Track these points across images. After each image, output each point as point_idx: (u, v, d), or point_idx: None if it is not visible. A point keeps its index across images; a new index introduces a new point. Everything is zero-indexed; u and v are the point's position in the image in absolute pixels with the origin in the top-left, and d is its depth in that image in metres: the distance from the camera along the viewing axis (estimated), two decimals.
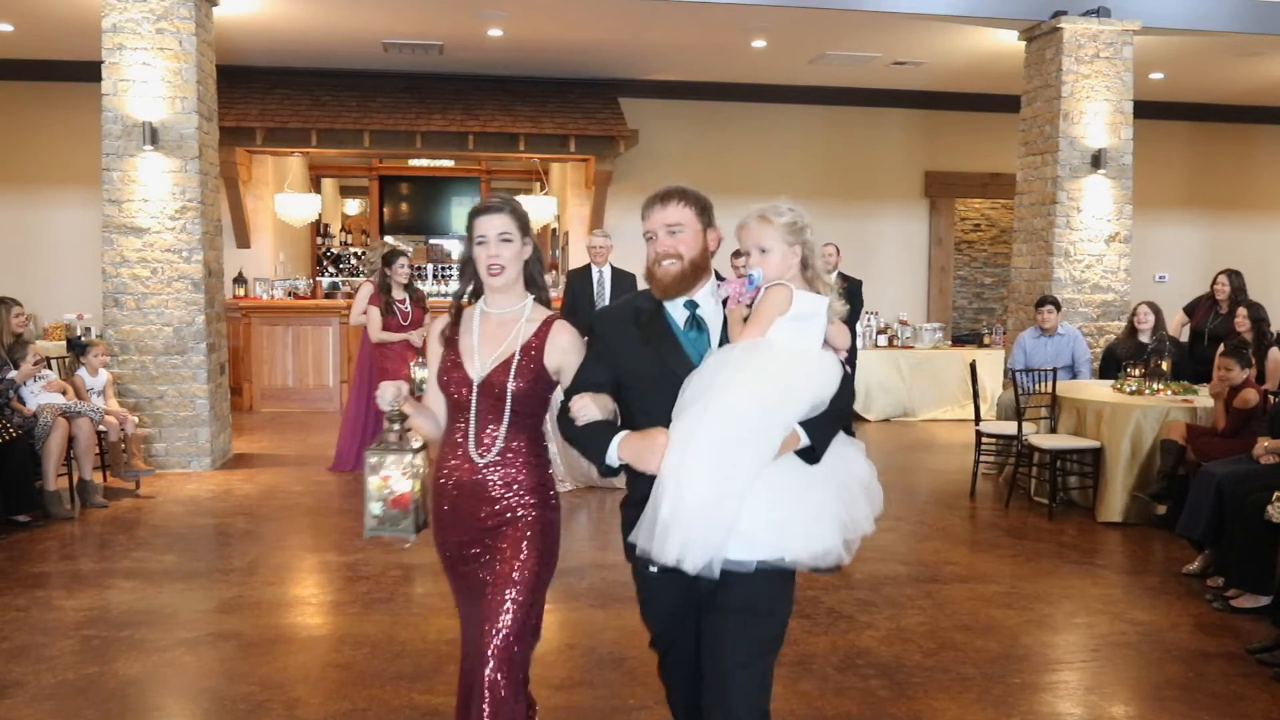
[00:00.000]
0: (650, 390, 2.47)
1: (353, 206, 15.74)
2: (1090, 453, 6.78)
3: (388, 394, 2.60)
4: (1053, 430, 7.12)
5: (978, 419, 7.63)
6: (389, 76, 11.37)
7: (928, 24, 9.23)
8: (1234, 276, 8.14)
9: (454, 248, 14.94)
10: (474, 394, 2.64)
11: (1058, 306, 8.25)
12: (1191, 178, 12.98)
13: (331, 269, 13.90)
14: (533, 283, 2.77)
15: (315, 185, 13.56)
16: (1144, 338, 7.86)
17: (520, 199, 3.08)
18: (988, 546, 6.14)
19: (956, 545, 6.15)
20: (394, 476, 2.59)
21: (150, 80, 7.79)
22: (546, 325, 2.70)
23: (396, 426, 2.60)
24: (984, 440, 7.56)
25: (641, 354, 2.52)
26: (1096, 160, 9.00)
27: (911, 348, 11.18)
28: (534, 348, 2.66)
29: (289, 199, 11.60)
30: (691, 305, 2.55)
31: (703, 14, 8.97)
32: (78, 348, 7.91)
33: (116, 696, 3.88)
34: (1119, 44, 9.01)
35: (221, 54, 8.78)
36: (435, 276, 13.72)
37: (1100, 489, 6.71)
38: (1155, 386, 7.01)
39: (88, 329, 10.27)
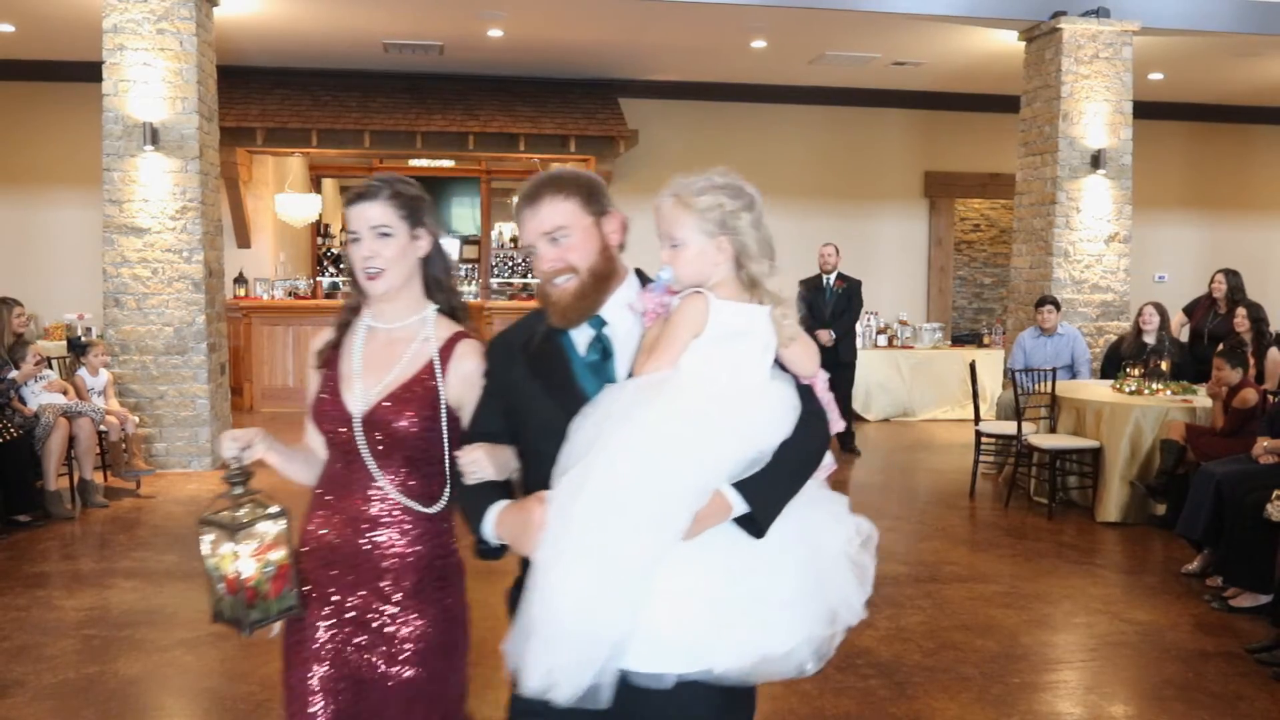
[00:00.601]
0: (540, 441, 1.84)
1: None
2: (1090, 453, 6.78)
3: (229, 448, 1.99)
4: (1052, 430, 7.13)
5: (977, 419, 7.64)
6: (389, 77, 11.38)
7: (928, 24, 9.24)
8: (1231, 276, 8.16)
9: (453, 248, 14.95)
10: (355, 433, 2.06)
11: (1057, 306, 8.26)
12: (1191, 178, 12.98)
13: (332, 269, 13.90)
14: (436, 287, 2.15)
15: (315, 185, 13.57)
16: (1149, 338, 7.86)
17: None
18: (987, 546, 6.15)
19: (956, 545, 6.16)
20: (225, 555, 1.96)
21: (151, 80, 7.80)
22: (450, 346, 2.09)
23: (238, 490, 1.97)
24: (984, 440, 7.57)
25: (528, 392, 1.91)
26: (1096, 160, 9.00)
27: (911, 348, 11.20)
28: (432, 375, 2.06)
29: (289, 199, 11.61)
30: (597, 323, 1.91)
31: (703, 14, 8.98)
32: (78, 348, 7.92)
33: (117, 696, 3.89)
34: (1118, 44, 9.01)
35: (222, 54, 8.79)
36: None
37: (1100, 489, 6.72)
38: (1154, 386, 7.01)
39: (88, 329, 10.28)
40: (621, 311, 1.92)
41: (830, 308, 8.82)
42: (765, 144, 12.11)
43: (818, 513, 1.90)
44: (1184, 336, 8.60)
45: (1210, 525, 5.27)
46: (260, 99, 10.91)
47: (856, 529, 1.94)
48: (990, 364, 10.31)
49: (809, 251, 9.35)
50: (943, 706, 3.85)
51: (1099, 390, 7.25)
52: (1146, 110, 9.98)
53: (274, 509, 1.99)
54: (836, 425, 1.99)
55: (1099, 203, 9.12)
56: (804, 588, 1.82)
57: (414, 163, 13.11)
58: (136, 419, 7.41)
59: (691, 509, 1.71)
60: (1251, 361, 6.49)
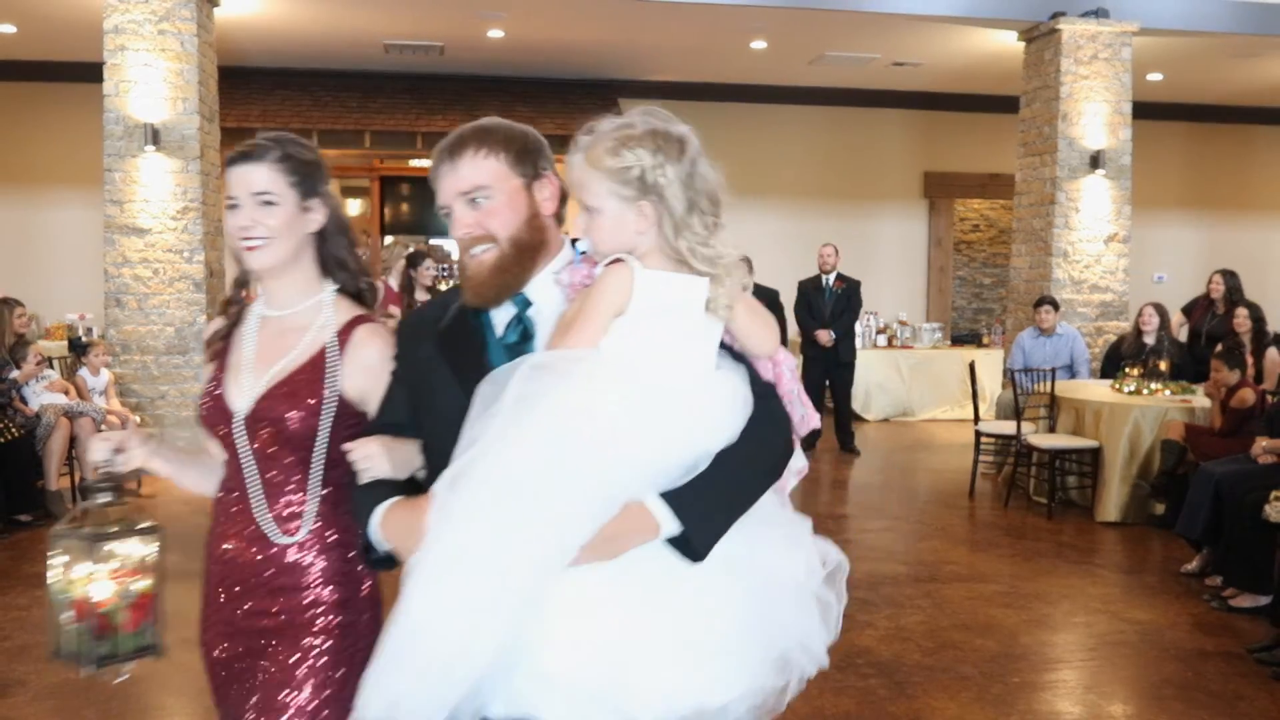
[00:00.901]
0: (443, 432, 1.53)
1: (354, 207, 15.75)
2: (1089, 452, 6.80)
3: (98, 450, 1.75)
4: (1051, 430, 7.14)
5: (977, 419, 7.66)
6: (389, 77, 11.39)
7: (927, 25, 9.25)
8: (1229, 276, 8.18)
9: (454, 248, 15.01)
10: (237, 434, 1.81)
11: (1055, 307, 8.27)
12: (1190, 178, 13.00)
13: None
14: (334, 265, 1.90)
15: None
16: (1149, 338, 7.87)
17: None
18: (987, 546, 6.16)
19: (956, 545, 6.17)
20: (78, 577, 1.68)
21: (152, 81, 7.82)
22: (347, 331, 1.84)
23: (103, 499, 1.70)
24: (983, 440, 7.58)
25: (434, 376, 1.64)
26: (1095, 161, 9.02)
27: (911, 348, 11.21)
28: (327, 364, 1.80)
29: None
30: (521, 302, 1.65)
31: (702, 14, 8.99)
32: (79, 348, 7.94)
33: (118, 696, 3.90)
34: (1117, 45, 9.03)
35: (223, 55, 8.81)
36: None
37: (1099, 488, 6.73)
38: (1153, 386, 7.02)
39: (89, 329, 10.29)
40: (550, 290, 1.64)
41: (829, 308, 8.83)
42: (765, 144, 12.12)
43: (772, 535, 1.57)
44: (1183, 336, 8.62)
45: (1209, 525, 5.28)
46: (261, 99, 10.92)
47: (821, 557, 1.61)
48: (990, 364, 10.32)
49: (808, 252, 9.37)
50: (942, 706, 3.86)
51: (1098, 390, 7.27)
52: (1145, 111, 9.99)
53: (145, 525, 1.72)
54: (810, 422, 1.72)
55: (1098, 203, 9.13)
56: (749, 627, 1.49)
57: (414, 163, 13.15)
58: (138, 419, 7.42)
59: (595, 519, 1.40)
60: (1250, 361, 6.50)
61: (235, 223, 1.80)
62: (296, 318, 1.87)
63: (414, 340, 1.72)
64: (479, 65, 11.12)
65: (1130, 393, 7.01)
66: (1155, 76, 10.94)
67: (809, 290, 8.95)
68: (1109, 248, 9.20)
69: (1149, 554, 6.05)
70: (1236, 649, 4.46)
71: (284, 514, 1.81)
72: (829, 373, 8.84)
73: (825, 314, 8.81)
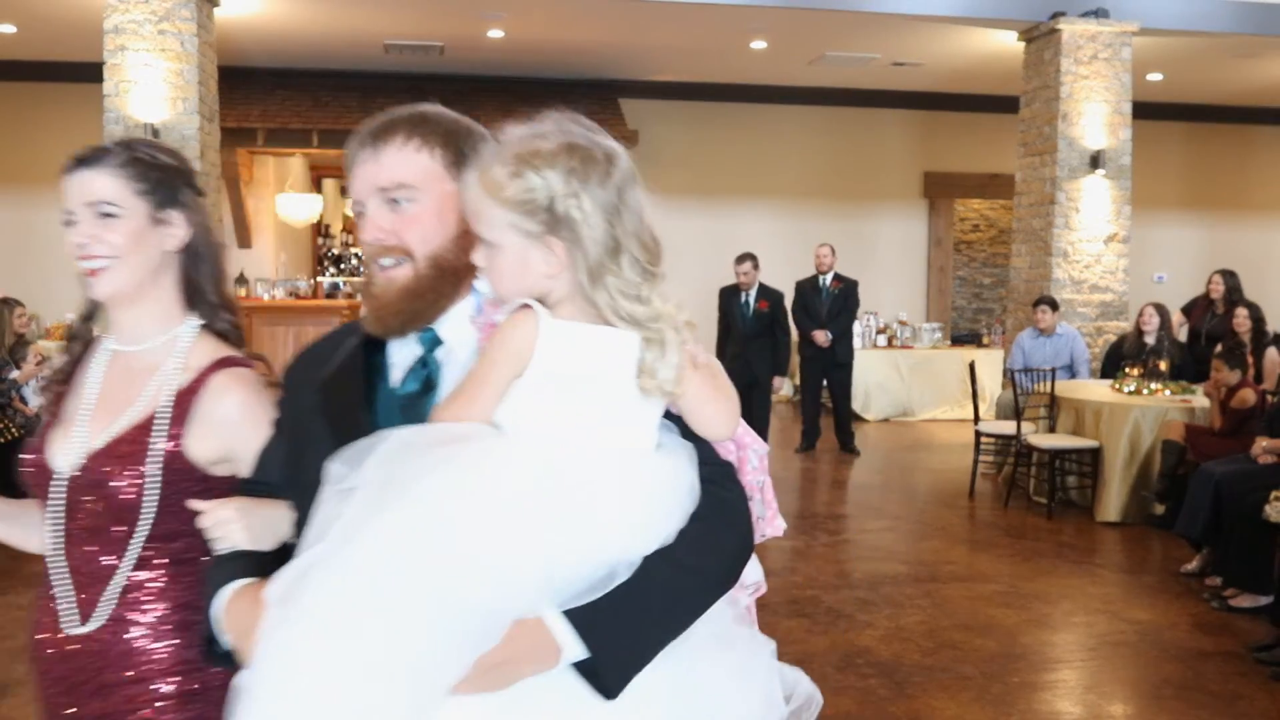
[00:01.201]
0: (313, 501, 1.20)
1: None
2: (1089, 452, 6.80)
3: None
4: (1051, 430, 7.15)
5: (976, 419, 7.66)
6: (390, 77, 11.40)
7: (927, 25, 9.25)
8: (1228, 276, 8.19)
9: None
10: (55, 499, 1.52)
11: (1054, 306, 8.27)
12: (1190, 178, 13.01)
13: (333, 269, 13.93)
14: (197, 294, 1.58)
15: (316, 186, 13.59)
16: (1150, 338, 7.87)
17: None
18: (986, 546, 6.16)
19: (955, 545, 6.17)
20: None
21: (152, 81, 7.82)
22: (204, 377, 1.52)
23: None
24: (983, 440, 7.59)
25: (312, 431, 1.31)
26: (1095, 161, 9.02)
27: (910, 348, 11.21)
28: (176, 417, 1.49)
29: (290, 199, 11.62)
30: (429, 341, 1.32)
31: (703, 14, 8.99)
32: None
33: None
34: (1117, 45, 9.03)
35: (223, 55, 8.80)
36: None
37: (1099, 488, 6.73)
38: (1153, 386, 7.03)
39: None
40: (467, 329, 1.30)
41: (827, 308, 8.85)
42: (765, 144, 12.12)
43: (718, 662, 1.22)
44: (1183, 336, 8.62)
45: (1209, 525, 5.28)
46: (261, 99, 10.92)
47: (787, 690, 1.28)
48: (990, 364, 10.33)
49: (809, 252, 9.38)
50: (942, 706, 3.87)
51: (1098, 390, 7.27)
52: (1145, 111, 9.99)
53: None
54: (766, 526, 1.42)
55: (1098, 203, 9.13)
56: None
57: None
58: None
59: (476, 643, 1.08)
60: (1250, 361, 6.51)
61: (72, 241, 1.49)
62: (150, 355, 1.55)
63: (301, 384, 1.39)
64: (479, 65, 11.13)
65: (1130, 393, 7.01)
66: (1155, 76, 10.94)
67: (806, 290, 8.96)
68: (1109, 248, 9.20)
69: (1149, 554, 6.06)
70: (1236, 649, 4.47)
71: (98, 598, 1.52)
72: (826, 373, 8.87)
73: (822, 314, 8.82)
